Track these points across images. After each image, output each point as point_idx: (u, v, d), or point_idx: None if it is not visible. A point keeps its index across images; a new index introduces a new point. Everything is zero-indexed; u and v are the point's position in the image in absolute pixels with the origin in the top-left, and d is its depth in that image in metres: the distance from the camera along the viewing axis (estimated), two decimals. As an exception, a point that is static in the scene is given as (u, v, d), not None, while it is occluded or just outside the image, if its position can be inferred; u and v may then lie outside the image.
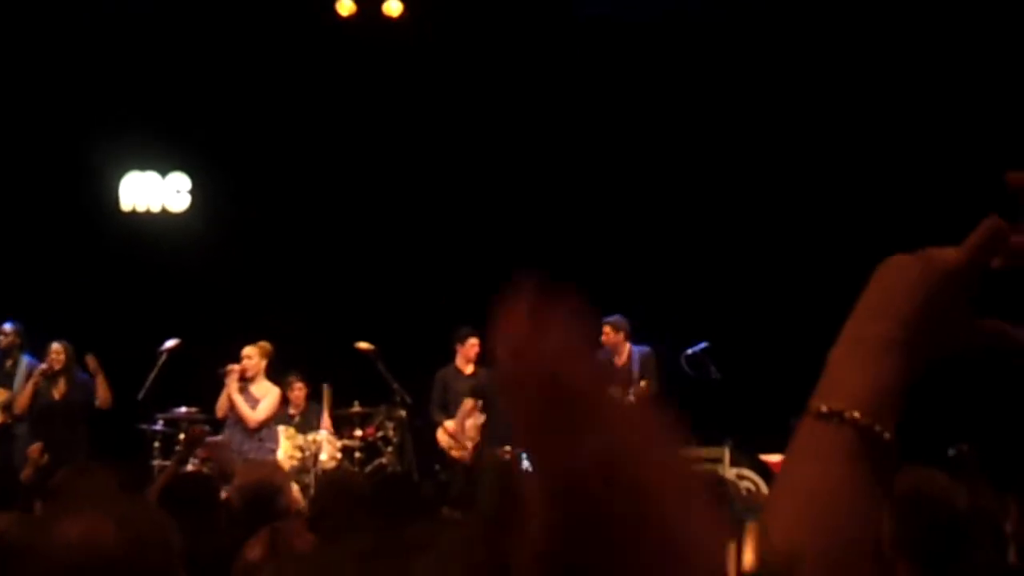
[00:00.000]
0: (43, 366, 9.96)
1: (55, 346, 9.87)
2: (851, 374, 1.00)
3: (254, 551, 2.72)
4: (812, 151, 11.29)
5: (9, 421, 10.20)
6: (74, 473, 3.88)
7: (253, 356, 9.71)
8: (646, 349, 10.13)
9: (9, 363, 10.39)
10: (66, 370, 9.89)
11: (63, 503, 1.95)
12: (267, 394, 9.72)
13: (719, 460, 9.35)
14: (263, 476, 4.83)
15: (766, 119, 11.45)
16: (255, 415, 9.69)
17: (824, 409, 0.99)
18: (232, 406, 9.60)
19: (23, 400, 9.89)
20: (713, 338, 10.33)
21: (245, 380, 9.69)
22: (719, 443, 9.52)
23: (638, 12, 11.82)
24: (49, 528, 1.88)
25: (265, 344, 9.89)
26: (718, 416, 9.46)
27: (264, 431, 9.65)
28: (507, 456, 9.68)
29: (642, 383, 9.91)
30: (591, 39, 11.91)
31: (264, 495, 4.52)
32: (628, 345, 10.18)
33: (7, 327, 10.43)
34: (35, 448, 9.70)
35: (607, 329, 10.12)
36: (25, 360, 10.29)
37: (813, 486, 0.98)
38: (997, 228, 1.00)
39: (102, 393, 10.02)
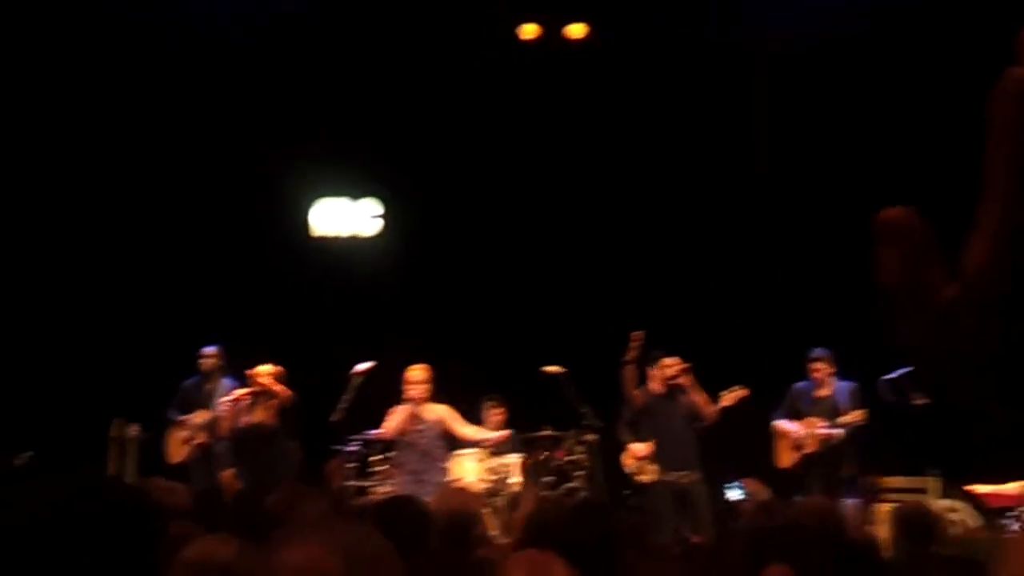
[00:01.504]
0: (236, 395, 10.10)
1: (260, 368, 10.02)
2: None
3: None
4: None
5: (210, 441, 10.49)
6: (291, 496, 3.89)
7: (424, 378, 9.66)
8: (853, 385, 9.86)
9: (209, 385, 10.69)
10: (268, 393, 9.98)
11: (287, 529, 1.90)
12: (445, 413, 9.64)
13: (923, 491, 8.94)
14: (460, 504, 4.79)
15: None
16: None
17: None
18: (441, 430, 9.51)
19: (224, 424, 10.12)
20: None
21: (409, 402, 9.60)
22: (924, 472, 9.12)
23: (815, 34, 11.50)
24: (275, 554, 1.83)
25: (428, 367, 9.83)
26: (924, 444, 9.07)
27: (439, 452, 9.59)
28: (682, 481, 9.50)
29: (854, 412, 9.60)
30: (766, 64, 11.66)
31: (461, 523, 4.47)
32: (834, 379, 9.92)
33: (209, 350, 10.74)
34: (228, 474, 9.94)
35: (820, 364, 9.87)
36: (225, 382, 10.55)
37: None
38: None
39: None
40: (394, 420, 9.43)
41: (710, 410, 9.76)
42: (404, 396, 9.44)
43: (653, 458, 10.18)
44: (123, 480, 9.58)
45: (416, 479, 9.13)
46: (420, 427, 9.40)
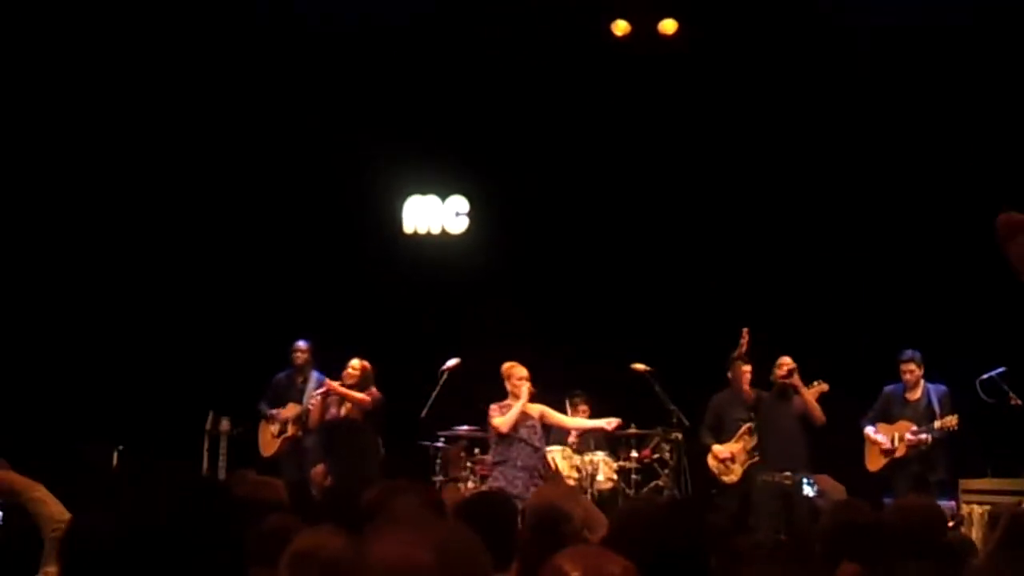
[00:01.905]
0: (325, 387, 10.20)
1: (352, 362, 10.13)
2: None
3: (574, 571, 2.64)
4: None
5: (300, 434, 10.64)
6: (388, 491, 3.93)
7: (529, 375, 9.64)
8: (943, 388, 9.78)
9: (300, 379, 10.85)
10: (359, 387, 10.09)
11: (381, 523, 1.94)
12: (542, 408, 9.61)
13: (1021, 492, 8.77)
14: (552, 500, 4.80)
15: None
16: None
17: None
18: (541, 422, 9.45)
19: (314, 416, 10.26)
20: (1011, 362, 9.72)
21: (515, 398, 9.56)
22: (1020, 475, 8.96)
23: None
24: (369, 548, 1.87)
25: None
26: (1019, 446, 8.92)
27: (544, 447, 9.59)
28: (786, 482, 9.43)
29: (948, 418, 9.49)
30: (867, 53, 11.47)
31: (550, 519, 4.48)
32: (923, 381, 9.81)
33: (301, 344, 10.90)
34: (318, 471, 10.07)
35: (912, 367, 9.79)
36: (315, 376, 10.70)
37: None
38: None
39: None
40: (508, 416, 9.25)
41: (820, 412, 9.67)
42: (512, 392, 9.32)
43: (735, 459, 10.16)
44: (209, 475, 9.78)
45: (530, 475, 9.13)
46: (530, 422, 9.34)
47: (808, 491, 9.45)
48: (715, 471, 10.30)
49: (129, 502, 1.69)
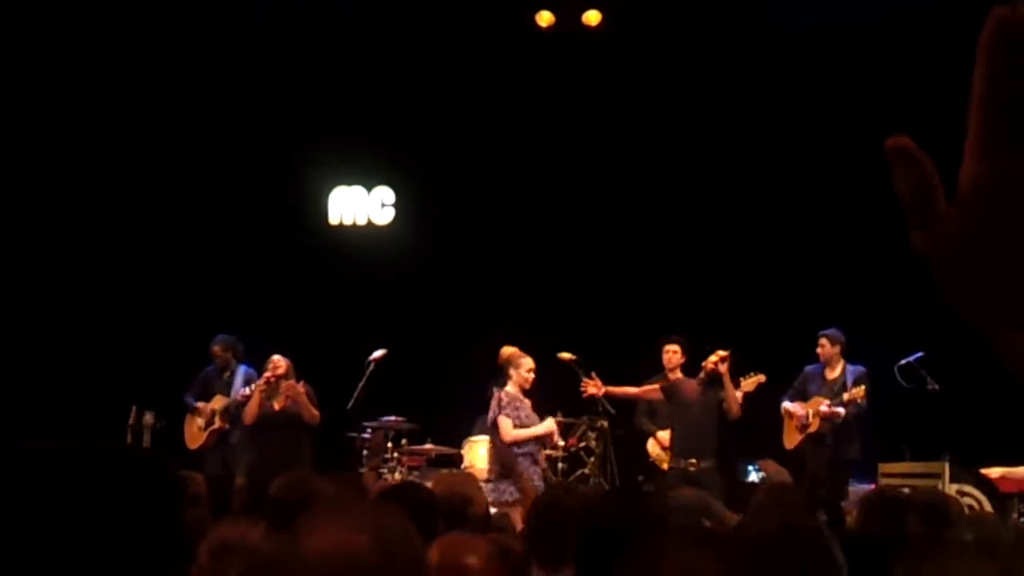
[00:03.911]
0: (267, 375, 10.17)
1: (275, 358, 10.08)
2: None
3: (472, 559, 2.68)
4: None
5: (227, 427, 10.55)
6: (297, 482, 3.93)
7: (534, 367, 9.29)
8: (860, 368, 9.92)
9: (227, 374, 10.75)
10: (285, 381, 10.06)
11: (315, 512, 1.94)
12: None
13: (938, 476, 8.98)
14: (455, 485, 4.87)
15: None
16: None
17: None
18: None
19: (252, 409, 10.13)
20: (929, 347, 9.92)
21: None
22: (937, 458, 9.15)
23: (839, 17, 11.47)
24: (304, 536, 1.87)
25: None
26: (936, 430, 9.11)
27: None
28: (691, 468, 9.49)
29: (855, 390, 9.64)
30: (787, 47, 11.64)
31: (457, 503, 4.52)
32: (843, 360, 9.98)
33: (215, 347, 10.74)
34: (240, 480, 9.98)
35: (824, 341, 9.98)
36: (242, 369, 10.61)
37: None
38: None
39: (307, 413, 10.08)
40: (523, 434, 8.94)
41: (737, 407, 9.61)
42: (518, 383, 9.08)
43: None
44: (145, 450, 9.63)
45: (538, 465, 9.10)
46: (525, 412, 9.14)
47: (753, 476, 9.55)
48: (656, 458, 10.34)
49: (57, 485, 1.56)
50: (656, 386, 10.02)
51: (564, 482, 9.72)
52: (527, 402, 9.11)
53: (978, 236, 0.79)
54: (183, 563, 1.66)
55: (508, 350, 9.19)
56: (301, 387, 9.94)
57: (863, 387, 9.66)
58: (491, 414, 9.14)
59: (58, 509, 1.53)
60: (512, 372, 9.12)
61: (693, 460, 9.34)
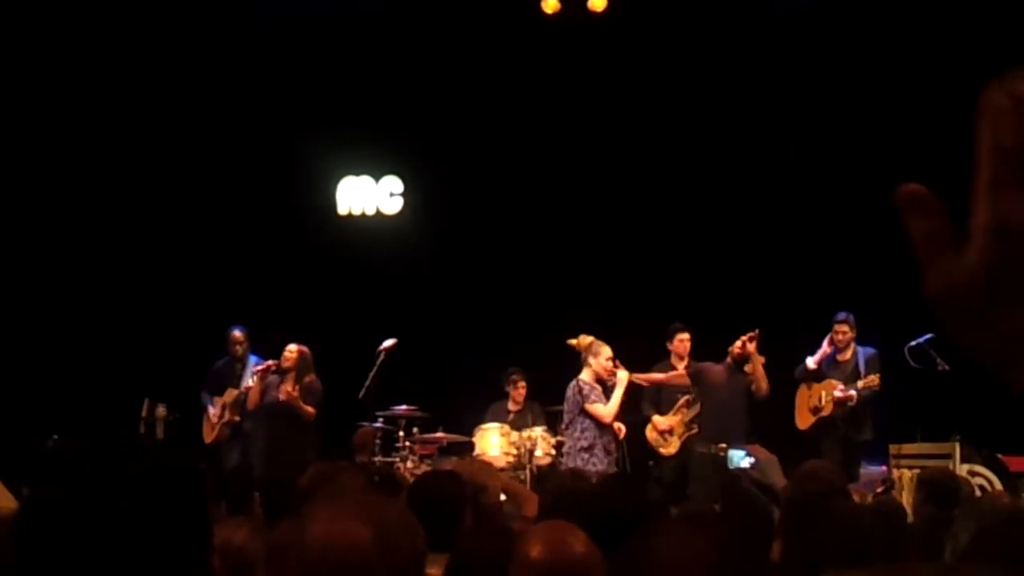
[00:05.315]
0: (267, 363, 10.25)
1: (289, 347, 10.15)
2: None
3: (533, 549, 2.67)
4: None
5: (238, 419, 10.60)
6: (328, 472, 3.96)
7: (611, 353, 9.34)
8: (871, 350, 9.92)
9: (239, 366, 10.82)
10: (295, 372, 10.14)
11: (315, 503, 1.96)
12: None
13: (949, 456, 8.98)
14: (467, 474, 4.88)
15: None
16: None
17: None
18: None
19: (253, 396, 10.26)
20: (939, 329, 9.86)
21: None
22: (948, 438, 9.16)
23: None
24: (306, 526, 1.90)
25: None
26: (946, 410, 9.11)
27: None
28: (720, 453, 9.52)
29: (870, 377, 9.65)
30: (790, 31, 11.61)
31: (469, 491, 4.54)
32: (854, 344, 9.98)
33: (237, 334, 10.81)
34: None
35: (845, 328, 9.94)
36: (252, 360, 10.68)
37: None
38: None
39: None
40: (613, 405, 9.06)
41: (766, 383, 9.57)
42: (597, 372, 9.13)
43: (673, 431, 10.24)
44: (181, 452, 9.66)
45: (610, 454, 9.14)
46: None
47: (742, 462, 9.56)
48: (653, 443, 10.38)
49: (89, 478, 1.59)
50: (683, 372, 10.07)
51: (573, 468, 9.75)
52: (599, 388, 9.15)
53: (992, 274, 0.82)
54: (208, 557, 1.67)
55: (587, 338, 9.26)
56: (306, 382, 10.01)
57: (878, 375, 9.66)
58: (571, 404, 9.17)
59: (92, 506, 1.54)
60: (591, 360, 9.19)
61: (723, 444, 9.35)
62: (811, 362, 10.07)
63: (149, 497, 1.54)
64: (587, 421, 9.07)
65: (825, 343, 10.07)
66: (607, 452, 9.08)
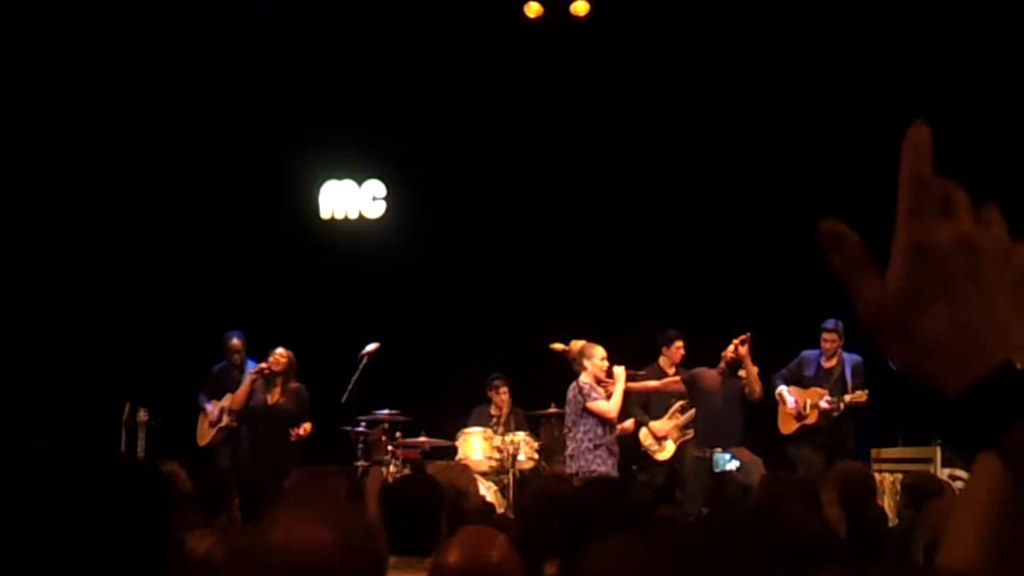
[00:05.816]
0: (260, 365, 10.25)
1: (279, 351, 10.15)
2: None
3: (451, 554, 2.69)
4: None
5: (235, 424, 10.56)
6: (310, 476, 3.96)
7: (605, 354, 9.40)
8: (858, 358, 9.91)
9: (237, 372, 10.78)
10: (283, 376, 10.14)
11: (278, 508, 1.96)
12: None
13: (930, 460, 9.01)
14: (447, 479, 4.88)
15: None
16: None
17: None
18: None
19: (240, 397, 10.24)
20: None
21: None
22: (929, 443, 9.18)
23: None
24: (269, 531, 1.89)
25: None
26: (927, 415, 9.12)
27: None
28: (706, 457, 9.57)
29: (858, 393, 9.65)
30: (760, 40, 11.64)
31: (451, 497, 4.54)
32: (841, 352, 9.98)
33: (236, 342, 10.77)
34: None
35: (834, 336, 9.92)
36: (250, 365, 10.65)
37: None
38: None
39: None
40: (615, 401, 9.11)
41: (760, 387, 9.65)
42: (594, 373, 9.18)
43: (668, 437, 10.25)
44: (138, 459, 9.64)
45: (613, 453, 9.17)
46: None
47: (728, 465, 9.60)
48: (648, 448, 10.37)
49: (27, 481, 1.50)
50: (677, 378, 10.09)
51: (553, 471, 9.77)
52: (601, 389, 9.15)
53: (911, 290, 0.95)
54: (163, 568, 1.60)
55: (577, 343, 9.29)
56: (293, 388, 10.03)
57: (866, 392, 9.65)
58: (573, 406, 9.19)
59: (41, 510, 1.49)
60: (586, 363, 9.23)
61: (718, 448, 9.40)
62: (782, 390, 10.03)
63: (90, 502, 1.50)
64: (590, 422, 9.08)
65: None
66: (611, 453, 9.11)
